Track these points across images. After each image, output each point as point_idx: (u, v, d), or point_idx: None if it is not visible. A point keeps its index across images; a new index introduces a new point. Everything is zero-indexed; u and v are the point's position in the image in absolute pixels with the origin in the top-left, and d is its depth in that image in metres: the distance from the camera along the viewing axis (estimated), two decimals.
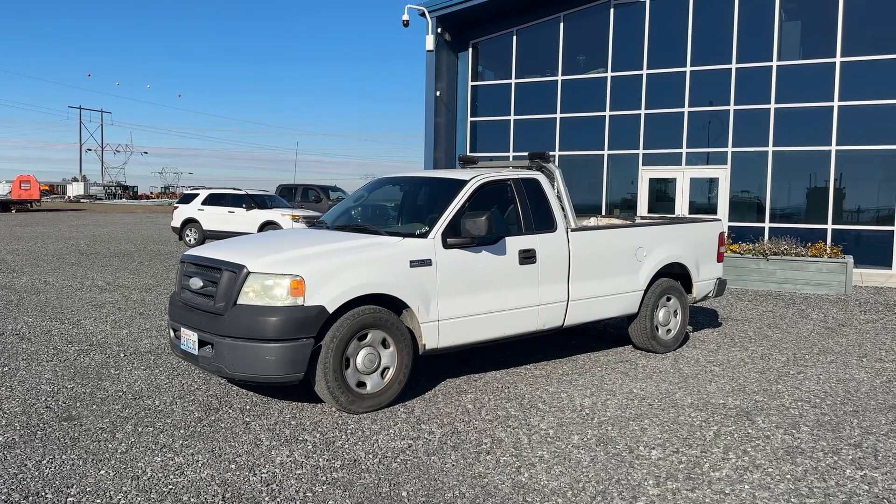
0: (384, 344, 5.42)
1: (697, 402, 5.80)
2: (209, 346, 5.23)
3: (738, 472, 4.34)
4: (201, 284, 5.46)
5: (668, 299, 7.59)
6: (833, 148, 15.27)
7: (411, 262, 5.56)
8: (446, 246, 5.75)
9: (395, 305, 5.53)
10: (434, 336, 5.70)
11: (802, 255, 12.73)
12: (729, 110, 16.17)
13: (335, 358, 5.13)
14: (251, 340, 5.02)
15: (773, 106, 15.75)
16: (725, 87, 16.16)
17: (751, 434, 5.03)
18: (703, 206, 16.61)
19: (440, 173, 6.94)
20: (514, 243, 6.19)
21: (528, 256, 6.25)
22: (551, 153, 17.88)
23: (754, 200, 16.21)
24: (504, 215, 6.37)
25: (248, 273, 5.14)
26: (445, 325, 5.74)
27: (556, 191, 6.83)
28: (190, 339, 5.42)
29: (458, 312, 5.80)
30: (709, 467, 4.42)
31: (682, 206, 16.70)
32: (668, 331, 7.59)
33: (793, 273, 12.61)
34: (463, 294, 5.84)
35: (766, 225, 15.87)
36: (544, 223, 6.48)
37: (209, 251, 5.78)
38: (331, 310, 5.11)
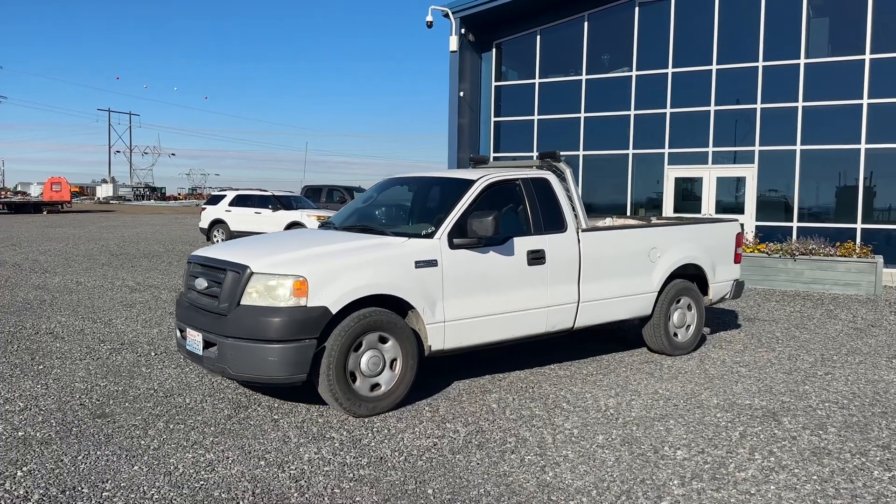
0: (389, 346, 5.35)
1: (723, 402, 5.78)
2: (214, 346, 5.21)
3: (764, 473, 4.33)
4: (206, 285, 5.45)
5: (684, 301, 7.46)
6: (862, 146, 15.06)
7: (416, 262, 5.50)
8: (453, 246, 5.70)
9: (400, 307, 5.46)
10: (440, 338, 5.64)
11: (831, 255, 12.57)
12: (756, 109, 16.01)
13: (338, 359, 5.09)
14: (254, 341, 5.00)
15: (800, 104, 15.56)
16: (752, 86, 16.00)
17: (777, 435, 5.01)
18: (730, 205, 16.46)
19: (448, 173, 6.84)
20: (523, 244, 6.12)
21: (537, 257, 6.18)
22: (574, 153, 17.87)
23: (782, 200, 16.04)
24: (513, 215, 6.30)
25: (252, 273, 5.12)
26: (451, 327, 5.68)
27: (566, 190, 6.72)
28: (195, 339, 5.40)
29: (464, 314, 5.74)
30: (734, 468, 4.42)
31: (708, 206, 16.56)
32: (684, 333, 7.47)
33: (821, 273, 12.46)
34: (469, 295, 5.77)
35: (794, 224, 15.69)
36: (554, 223, 6.40)
37: (215, 251, 5.77)
38: (334, 311, 5.07)
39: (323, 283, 5.08)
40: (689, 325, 7.53)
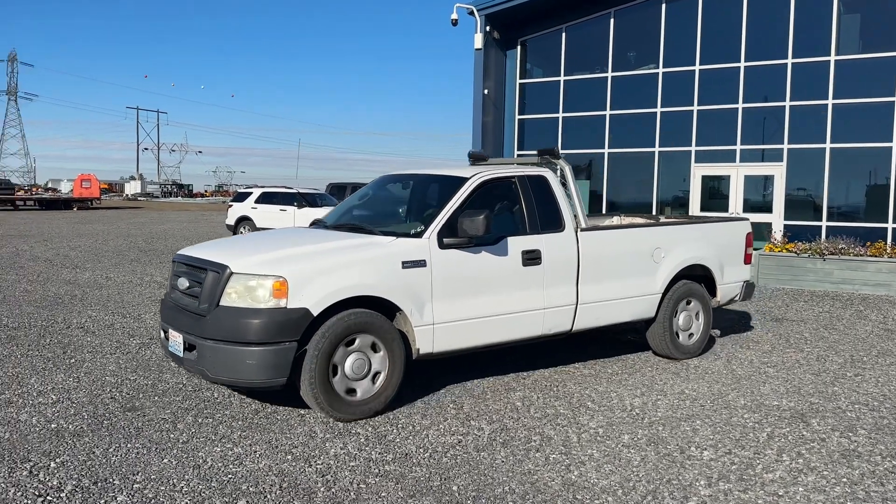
0: (374, 349, 5.20)
1: (751, 403, 5.72)
2: (194, 348, 5.09)
3: (792, 475, 4.29)
4: (187, 285, 5.34)
5: (690, 303, 7.25)
6: (894, 144, 14.79)
7: (403, 262, 5.32)
8: (442, 246, 5.51)
9: (386, 308, 5.29)
10: (428, 340, 5.47)
11: (861, 255, 12.38)
12: (784, 106, 15.80)
13: (321, 363, 4.94)
14: (232, 343, 4.87)
15: (830, 101, 15.33)
16: (781, 83, 15.79)
17: (805, 436, 4.96)
18: (757, 204, 16.27)
19: (443, 170, 6.63)
20: (517, 244, 5.92)
21: (532, 257, 5.98)
22: (599, 151, 17.78)
23: (811, 199, 15.81)
24: (507, 214, 6.12)
25: (231, 273, 4.99)
26: (441, 329, 5.51)
27: (565, 188, 6.54)
28: (177, 340, 5.27)
29: (454, 316, 5.56)
30: (762, 469, 4.38)
31: (736, 205, 16.39)
32: (690, 336, 7.25)
33: (851, 273, 12.28)
34: (460, 297, 5.59)
35: (824, 224, 15.46)
36: (551, 222, 6.20)
37: (198, 251, 5.65)
38: (315, 312, 4.92)
39: (304, 284, 4.94)
40: (695, 328, 7.31)
